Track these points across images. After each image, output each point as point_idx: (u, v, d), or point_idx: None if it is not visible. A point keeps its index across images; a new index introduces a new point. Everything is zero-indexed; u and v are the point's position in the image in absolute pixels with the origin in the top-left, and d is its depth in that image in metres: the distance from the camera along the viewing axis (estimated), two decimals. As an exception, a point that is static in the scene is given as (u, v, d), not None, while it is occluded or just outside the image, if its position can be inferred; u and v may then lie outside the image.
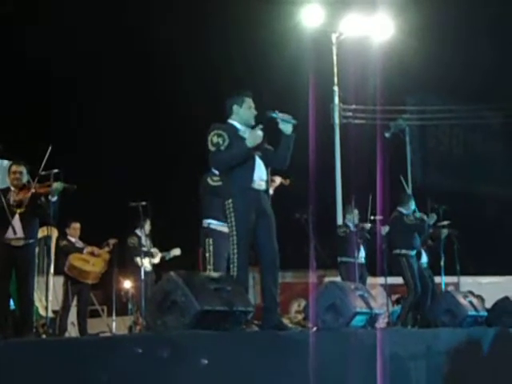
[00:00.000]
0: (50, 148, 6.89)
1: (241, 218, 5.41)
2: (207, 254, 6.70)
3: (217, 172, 6.56)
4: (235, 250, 5.40)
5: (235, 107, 5.70)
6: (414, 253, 8.93)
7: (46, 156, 6.89)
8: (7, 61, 15.83)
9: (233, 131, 5.58)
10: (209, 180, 6.81)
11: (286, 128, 5.62)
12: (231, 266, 5.42)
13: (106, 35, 17.41)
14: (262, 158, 5.64)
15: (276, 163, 5.80)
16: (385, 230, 9.47)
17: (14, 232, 6.58)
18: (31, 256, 6.95)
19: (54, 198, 6.81)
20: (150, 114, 18.10)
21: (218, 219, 6.57)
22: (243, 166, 5.52)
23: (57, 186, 6.79)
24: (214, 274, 5.40)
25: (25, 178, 7.02)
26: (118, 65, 18.16)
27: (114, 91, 17.55)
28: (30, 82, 16.80)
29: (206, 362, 4.15)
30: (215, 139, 5.50)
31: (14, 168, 7.04)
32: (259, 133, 5.51)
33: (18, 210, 6.79)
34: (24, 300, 6.83)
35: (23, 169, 7.04)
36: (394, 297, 12.23)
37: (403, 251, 8.86)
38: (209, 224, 6.76)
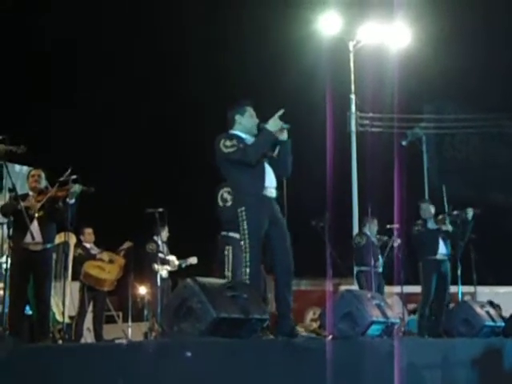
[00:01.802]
0: (70, 169, 6.93)
1: (254, 226, 5.40)
2: (226, 261, 6.75)
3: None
4: (247, 258, 5.40)
5: (238, 117, 5.71)
6: (433, 258, 8.85)
7: (66, 173, 6.93)
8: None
9: (239, 140, 5.57)
10: (225, 195, 6.88)
11: (282, 134, 5.62)
12: (243, 274, 5.42)
13: (119, 36, 17.50)
14: (270, 164, 5.65)
15: (279, 171, 5.77)
16: (397, 242, 9.44)
17: (33, 237, 6.62)
18: (49, 261, 7.00)
19: (72, 201, 6.86)
20: (168, 120, 18.15)
21: (234, 230, 6.49)
22: (254, 172, 5.52)
23: (75, 188, 6.84)
24: (231, 282, 5.39)
25: (43, 183, 7.08)
26: (132, 67, 18.23)
27: (129, 95, 17.63)
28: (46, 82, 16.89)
29: (189, 354, 4.12)
30: (228, 143, 5.50)
31: (32, 172, 7.16)
32: (278, 118, 5.49)
33: (37, 215, 6.83)
34: (41, 305, 6.86)
35: (42, 173, 7.13)
36: (411, 306, 12.16)
37: (422, 257, 8.84)
38: (228, 232, 6.81)
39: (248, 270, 5.37)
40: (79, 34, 17.15)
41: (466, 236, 9.11)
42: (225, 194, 6.87)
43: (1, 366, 3.82)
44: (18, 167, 10.14)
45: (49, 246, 6.94)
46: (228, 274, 6.66)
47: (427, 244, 8.85)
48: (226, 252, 6.77)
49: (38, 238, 6.79)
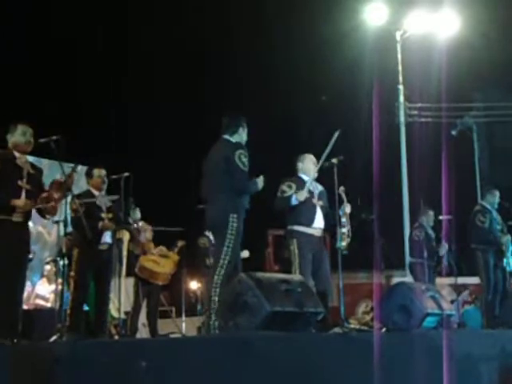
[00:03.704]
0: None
1: (237, 232, 5.87)
2: (292, 255, 6.80)
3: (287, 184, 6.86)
4: (227, 260, 5.78)
5: (241, 129, 6.21)
6: (491, 249, 8.73)
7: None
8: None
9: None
10: (284, 187, 6.97)
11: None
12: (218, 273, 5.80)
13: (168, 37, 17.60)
14: None
15: None
16: (445, 248, 9.29)
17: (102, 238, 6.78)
18: (112, 258, 7.06)
19: None
20: (215, 117, 18.20)
21: (299, 223, 6.77)
22: None
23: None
24: (285, 276, 5.41)
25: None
26: (179, 63, 18.31)
27: (183, 95, 17.76)
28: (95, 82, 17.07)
29: (144, 364, 4.13)
30: (243, 159, 5.95)
31: (98, 172, 7.07)
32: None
33: (106, 216, 6.91)
34: (102, 301, 6.94)
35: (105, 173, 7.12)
36: (464, 297, 12.02)
37: (480, 246, 8.71)
38: (292, 226, 6.86)
39: (223, 272, 5.72)
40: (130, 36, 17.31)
41: None
42: (284, 187, 6.92)
43: (62, 361, 3.90)
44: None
45: (112, 244, 7.02)
46: (294, 268, 6.71)
47: (492, 234, 8.74)
48: (291, 246, 6.80)
49: (108, 238, 6.91)
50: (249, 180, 6.02)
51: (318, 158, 7.05)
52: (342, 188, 7.02)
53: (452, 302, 10.80)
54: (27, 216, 5.90)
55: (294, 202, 6.74)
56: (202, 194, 6.27)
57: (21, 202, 5.73)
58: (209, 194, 6.10)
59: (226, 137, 6.18)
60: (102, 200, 6.99)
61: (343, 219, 7.00)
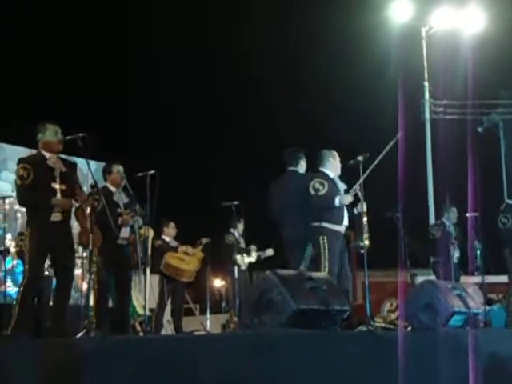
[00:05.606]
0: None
1: None
2: (321, 251, 6.82)
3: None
4: None
5: (302, 161, 7.18)
6: None
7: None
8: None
9: None
10: (317, 185, 7.00)
11: None
12: None
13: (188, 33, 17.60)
14: None
15: None
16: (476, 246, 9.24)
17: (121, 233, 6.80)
18: (130, 254, 7.06)
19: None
20: (240, 114, 18.19)
21: (329, 221, 6.88)
22: None
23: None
24: (310, 273, 5.39)
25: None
26: (201, 65, 18.33)
27: (200, 89, 17.77)
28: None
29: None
30: (317, 185, 6.81)
31: (117, 168, 7.04)
32: None
33: (124, 212, 6.90)
34: (126, 297, 6.96)
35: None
36: (492, 296, 11.89)
37: (507, 245, 8.62)
38: (321, 222, 6.88)
39: None
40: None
41: None
42: (316, 184, 6.90)
43: (90, 357, 3.93)
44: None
45: (130, 240, 7.04)
46: (324, 264, 6.70)
47: None
48: (320, 243, 6.80)
49: (127, 233, 6.92)
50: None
51: (343, 157, 7.13)
52: (357, 187, 6.94)
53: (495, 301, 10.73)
54: (66, 215, 5.92)
55: (337, 203, 6.80)
56: (274, 217, 7.16)
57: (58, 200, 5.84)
58: (283, 217, 6.98)
59: (293, 168, 7.10)
60: (119, 196, 7.01)
61: (364, 218, 6.90)
